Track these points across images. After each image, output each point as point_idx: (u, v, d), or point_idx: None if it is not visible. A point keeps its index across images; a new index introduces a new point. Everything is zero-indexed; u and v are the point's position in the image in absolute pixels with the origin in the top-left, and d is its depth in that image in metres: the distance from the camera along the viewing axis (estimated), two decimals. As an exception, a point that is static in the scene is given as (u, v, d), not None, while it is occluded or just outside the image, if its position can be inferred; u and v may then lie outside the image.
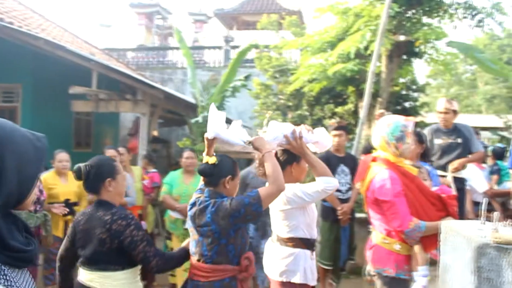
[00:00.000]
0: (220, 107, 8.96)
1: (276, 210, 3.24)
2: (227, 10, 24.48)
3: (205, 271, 2.69)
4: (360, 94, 10.19)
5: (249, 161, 6.90)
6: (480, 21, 9.76)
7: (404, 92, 13.20)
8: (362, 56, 9.84)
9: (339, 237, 5.49)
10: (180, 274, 5.13)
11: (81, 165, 2.81)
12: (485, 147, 8.23)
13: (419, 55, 10.91)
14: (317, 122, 12.56)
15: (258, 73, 15.12)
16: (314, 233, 3.25)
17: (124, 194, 3.09)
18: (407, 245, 3.01)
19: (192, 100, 9.98)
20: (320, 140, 3.24)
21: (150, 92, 8.85)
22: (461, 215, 4.52)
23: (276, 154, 3.12)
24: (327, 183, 2.99)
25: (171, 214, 5.52)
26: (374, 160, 3.24)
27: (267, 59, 14.27)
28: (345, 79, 10.89)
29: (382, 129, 3.14)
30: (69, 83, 8.65)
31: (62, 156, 5.51)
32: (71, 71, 9.01)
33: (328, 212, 5.46)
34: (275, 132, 3.02)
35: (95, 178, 2.80)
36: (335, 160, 5.40)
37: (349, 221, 5.54)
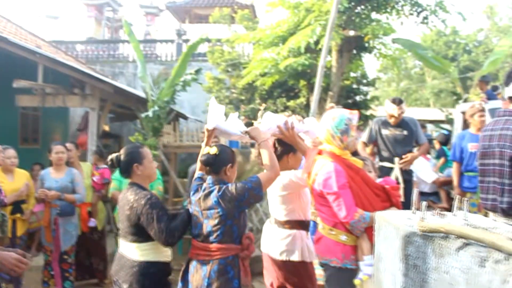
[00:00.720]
0: (171, 101, 8.87)
1: (274, 195, 3.50)
2: (179, 3, 24.20)
3: (211, 251, 2.94)
4: (311, 88, 10.35)
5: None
6: (425, 18, 10.11)
7: (354, 86, 13.48)
8: (314, 50, 9.99)
9: None
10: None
11: (114, 155, 3.29)
12: (430, 139, 8.55)
13: (368, 50, 11.18)
14: (269, 116, 12.66)
15: (210, 67, 15.06)
16: (308, 215, 3.54)
17: (150, 176, 3.37)
18: (353, 236, 3.07)
19: (143, 94, 9.83)
20: (310, 129, 3.48)
21: (99, 86, 8.64)
22: (408, 206, 4.68)
23: (274, 145, 3.40)
24: None
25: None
26: (320, 153, 3.27)
27: (219, 53, 14.23)
28: (296, 73, 11.03)
29: (327, 122, 3.18)
30: (13, 76, 8.32)
31: (9, 153, 5.36)
32: (15, 64, 8.67)
33: None
34: (269, 123, 3.26)
35: (124, 164, 3.23)
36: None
37: None
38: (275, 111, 12.61)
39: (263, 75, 11.48)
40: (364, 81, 13.61)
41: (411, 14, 10.13)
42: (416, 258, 1.33)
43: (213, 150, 3.05)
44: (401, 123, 5.39)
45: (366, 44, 10.90)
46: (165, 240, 2.99)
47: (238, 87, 13.23)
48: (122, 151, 3.29)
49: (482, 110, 5.41)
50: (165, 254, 3.19)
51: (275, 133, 3.29)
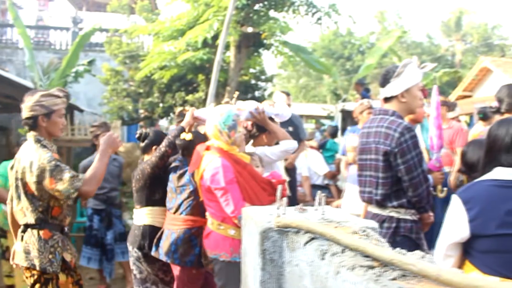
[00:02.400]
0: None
1: None
2: (76, -11, 23.00)
3: (181, 221, 3.46)
4: (210, 83, 10.35)
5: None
6: (319, 19, 10.52)
7: (253, 82, 13.69)
8: (213, 45, 10.00)
9: None
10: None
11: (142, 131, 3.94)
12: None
13: (267, 47, 11.40)
14: (168, 110, 12.47)
15: (108, 58, 14.50)
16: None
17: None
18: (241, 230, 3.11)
19: (30, 85, 9.23)
20: (280, 112, 3.92)
21: (-21, 74, 7.98)
22: (294, 202, 4.83)
23: (251, 126, 3.83)
24: (288, 145, 3.74)
25: (4, 209, 5.02)
26: (208, 149, 3.29)
27: (117, 44, 13.74)
28: (195, 67, 10.98)
29: (215, 118, 3.21)
30: None
31: None
32: None
33: None
34: (243, 109, 3.66)
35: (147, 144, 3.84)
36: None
37: None
38: (174, 105, 12.46)
39: (162, 68, 11.28)
40: (263, 77, 13.86)
41: (306, 14, 10.49)
42: (273, 253, 1.38)
43: (188, 136, 3.53)
44: (288, 119, 5.56)
45: (265, 41, 11.11)
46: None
47: (136, 80, 12.87)
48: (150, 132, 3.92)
49: (371, 107, 5.70)
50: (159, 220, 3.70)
51: (248, 117, 3.67)
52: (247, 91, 12.84)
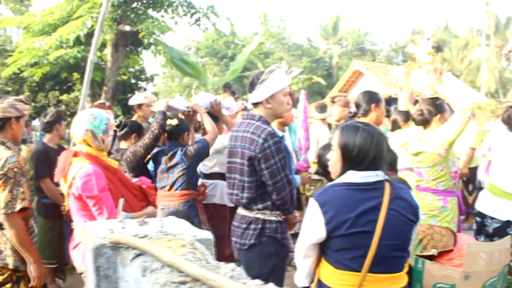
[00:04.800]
0: None
1: None
2: None
3: (178, 196, 3.93)
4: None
5: None
6: (197, 20, 10.54)
7: (133, 81, 13.34)
8: (88, 43, 9.56)
9: (63, 233, 5.21)
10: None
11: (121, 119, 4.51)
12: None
13: (145, 46, 11.17)
14: (40, 110, 11.70)
15: (-30, 51, 13.26)
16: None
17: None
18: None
19: None
20: (229, 106, 4.66)
21: None
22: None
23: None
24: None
25: None
26: (75, 155, 3.10)
27: (-21, 37, 12.61)
28: (69, 66, 10.42)
29: (86, 122, 3.00)
30: None
31: None
32: None
33: (49, 210, 5.07)
34: (205, 99, 4.30)
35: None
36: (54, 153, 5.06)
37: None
38: (47, 105, 11.75)
39: (33, 65, 10.55)
40: (143, 76, 13.57)
41: (185, 15, 10.45)
42: (107, 269, 1.38)
43: (174, 122, 4.03)
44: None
45: (145, 40, 10.87)
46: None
47: (3, 77, 11.89)
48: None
49: (245, 109, 5.81)
50: None
51: (207, 107, 4.25)
52: (126, 90, 12.48)
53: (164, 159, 4.01)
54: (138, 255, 1.22)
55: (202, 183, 4.41)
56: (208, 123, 4.11)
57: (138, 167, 4.06)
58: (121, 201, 1.61)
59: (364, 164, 2.19)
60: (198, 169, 4.40)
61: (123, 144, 4.35)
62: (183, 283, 0.99)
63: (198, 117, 4.40)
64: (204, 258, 1.15)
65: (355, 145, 2.20)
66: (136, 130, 4.37)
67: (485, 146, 6.36)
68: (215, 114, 4.36)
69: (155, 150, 4.13)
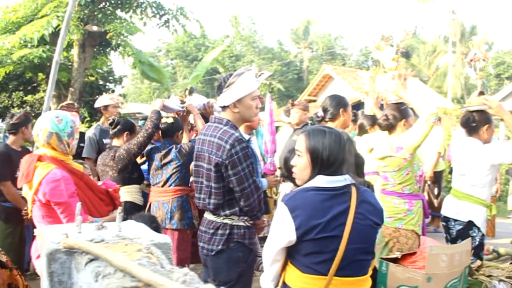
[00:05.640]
0: None
1: None
2: None
3: (172, 192, 4.09)
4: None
5: None
6: (166, 21, 10.44)
7: (101, 83, 13.13)
8: (54, 42, 9.35)
9: (24, 238, 5.04)
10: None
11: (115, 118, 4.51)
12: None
13: (113, 47, 10.99)
14: (3, 110, 11.40)
15: None
16: None
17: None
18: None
19: None
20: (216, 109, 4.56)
21: None
22: None
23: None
24: None
25: None
26: (40, 159, 2.98)
27: None
28: (34, 66, 10.18)
29: (51, 125, 2.91)
30: None
31: None
32: None
33: (10, 213, 4.91)
34: (199, 101, 4.43)
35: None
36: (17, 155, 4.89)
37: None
38: (11, 106, 11.45)
39: (-5, 65, 10.27)
40: (111, 78, 13.38)
41: (154, 16, 10.35)
42: (61, 274, 1.33)
43: (170, 120, 4.23)
44: None
45: (112, 41, 10.71)
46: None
47: (-38, 76, 11.51)
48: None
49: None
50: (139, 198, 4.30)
51: (200, 108, 4.36)
52: (93, 92, 12.27)
53: (158, 155, 4.16)
54: (92, 260, 1.18)
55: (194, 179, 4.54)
56: (200, 124, 4.18)
57: (131, 164, 4.19)
58: (78, 205, 1.56)
59: (333, 168, 2.19)
60: (190, 167, 4.42)
61: (115, 142, 4.40)
62: (135, 288, 0.96)
63: (190, 119, 4.56)
64: (159, 263, 1.13)
65: (325, 148, 2.19)
66: (129, 128, 4.42)
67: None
68: (207, 116, 4.36)
69: (149, 147, 4.28)
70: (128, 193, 4.22)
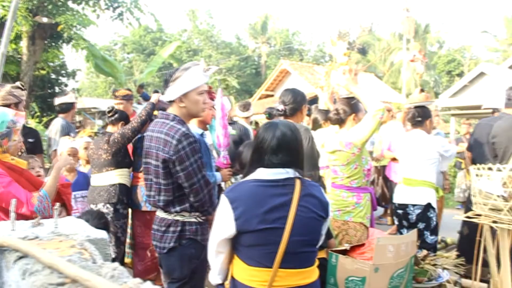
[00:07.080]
0: None
1: None
2: None
3: None
4: (-2, 76, 9.34)
5: None
6: (120, 14, 10.23)
7: (53, 76, 12.72)
8: (0, 34, 9.00)
9: None
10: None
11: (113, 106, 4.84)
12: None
13: (65, 39, 10.69)
14: None
15: None
16: None
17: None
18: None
19: None
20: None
21: None
22: None
23: None
24: None
25: None
26: None
27: None
28: (-20, 58, 9.78)
29: None
30: None
31: None
32: None
33: None
34: (227, 105, 4.28)
35: None
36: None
37: None
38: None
39: None
40: (64, 72, 12.98)
41: (107, 8, 10.12)
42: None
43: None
44: None
45: (65, 34, 10.40)
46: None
47: None
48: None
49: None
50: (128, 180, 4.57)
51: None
52: (45, 86, 11.88)
53: (142, 144, 4.33)
54: (21, 257, 1.14)
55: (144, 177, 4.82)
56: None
57: (124, 148, 4.47)
58: (13, 201, 1.50)
59: (275, 161, 2.21)
60: None
61: (109, 128, 4.65)
62: (62, 284, 0.94)
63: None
64: (91, 258, 1.10)
65: (266, 141, 2.23)
66: (124, 119, 4.69)
67: (384, 146, 6.73)
68: None
69: (138, 136, 4.53)
70: (120, 176, 4.49)
